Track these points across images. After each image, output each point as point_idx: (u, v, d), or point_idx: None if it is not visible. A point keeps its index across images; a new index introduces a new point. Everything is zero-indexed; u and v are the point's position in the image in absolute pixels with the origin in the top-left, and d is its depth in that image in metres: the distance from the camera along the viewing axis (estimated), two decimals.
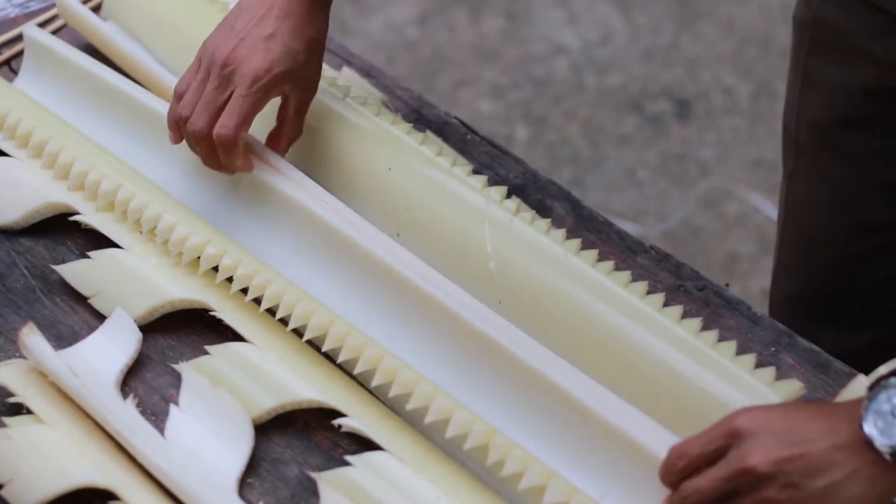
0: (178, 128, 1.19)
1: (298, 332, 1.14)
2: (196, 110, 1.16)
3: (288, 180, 1.20)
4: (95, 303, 1.17)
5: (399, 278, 1.14)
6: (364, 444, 1.07)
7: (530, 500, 1.03)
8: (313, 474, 1.05)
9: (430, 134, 1.29)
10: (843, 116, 1.30)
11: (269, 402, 1.09)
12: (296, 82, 1.18)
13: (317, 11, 1.17)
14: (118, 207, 1.21)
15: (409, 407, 1.08)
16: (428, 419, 1.07)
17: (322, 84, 1.25)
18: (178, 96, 1.18)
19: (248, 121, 1.16)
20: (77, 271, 1.19)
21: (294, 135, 1.21)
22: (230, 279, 1.16)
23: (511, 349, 1.09)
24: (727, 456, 0.95)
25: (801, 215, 1.39)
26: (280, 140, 1.21)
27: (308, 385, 1.10)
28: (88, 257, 1.20)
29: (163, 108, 1.26)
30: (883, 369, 1.09)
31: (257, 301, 1.15)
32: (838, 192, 1.34)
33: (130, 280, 1.17)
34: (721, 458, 0.95)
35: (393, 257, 1.15)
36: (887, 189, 1.31)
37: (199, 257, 1.17)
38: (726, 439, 0.95)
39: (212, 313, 1.15)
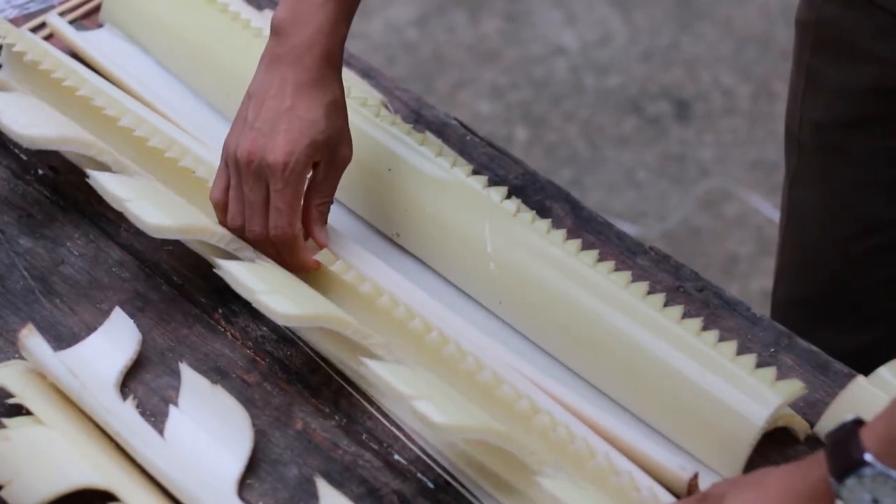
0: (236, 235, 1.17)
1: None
2: (247, 217, 1.14)
3: None
4: (131, 206, 1.15)
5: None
6: (363, 444, 1.08)
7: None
8: (365, 360, 1.04)
9: (429, 135, 1.29)
10: (847, 117, 1.30)
11: (303, 309, 1.09)
12: (324, 151, 1.14)
13: (328, 75, 1.14)
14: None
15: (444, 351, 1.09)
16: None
17: None
18: (219, 207, 1.16)
19: (297, 211, 1.13)
20: (111, 180, 1.18)
21: (321, 201, 1.16)
22: None
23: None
24: None
25: (804, 216, 1.39)
26: (308, 211, 1.16)
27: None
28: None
29: (154, 120, 1.26)
30: (883, 371, 1.09)
31: None
32: (841, 192, 1.34)
33: (164, 195, 1.19)
34: None
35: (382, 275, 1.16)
36: (890, 188, 1.31)
37: None
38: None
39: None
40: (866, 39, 1.25)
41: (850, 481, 0.89)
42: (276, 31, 1.14)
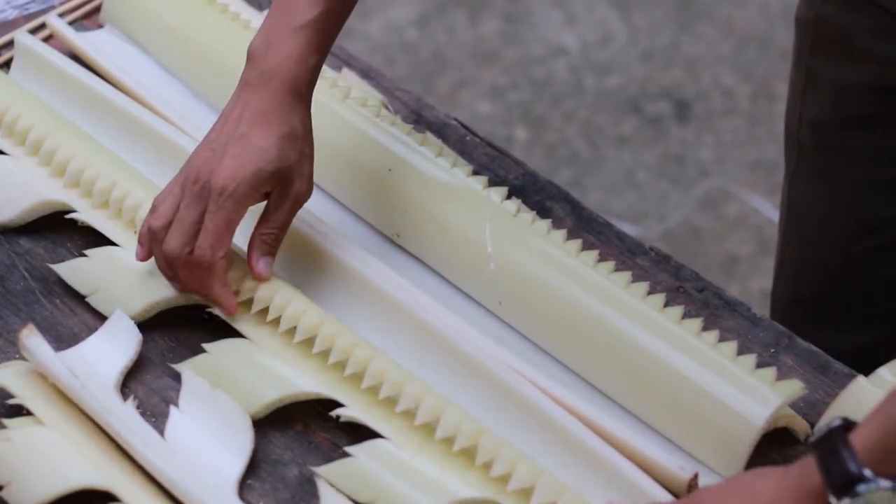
0: (148, 242, 1.14)
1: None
2: (171, 230, 1.11)
3: None
4: (93, 301, 1.17)
5: (387, 298, 1.15)
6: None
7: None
8: (317, 469, 1.05)
9: (429, 135, 1.29)
10: (845, 116, 1.30)
11: (267, 397, 1.09)
12: (273, 181, 1.11)
13: (289, 104, 1.11)
14: (113, 205, 1.21)
15: (398, 409, 1.08)
16: (418, 420, 1.07)
17: (322, 86, 1.25)
18: (155, 209, 1.13)
19: (225, 238, 1.10)
20: (74, 270, 1.19)
21: (267, 231, 1.13)
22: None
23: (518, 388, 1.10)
24: None
25: (803, 216, 1.39)
26: (252, 239, 1.14)
27: (306, 379, 1.10)
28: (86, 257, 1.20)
29: (153, 121, 1.26)
30: (883, 371, 1.09)
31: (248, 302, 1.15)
32: (841, 191, 1.34)
33: (127, 277, 1.17)
34: None
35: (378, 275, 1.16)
36: (890, 188, 1.31)
37: None
38: None
39: (208, 310, 1.15)
40: (865, 39, 1.25)
41: (849, 496, 0.88)
42: (250, 56, 1.13)
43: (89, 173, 1.22)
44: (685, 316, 1.12)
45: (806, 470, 0.92)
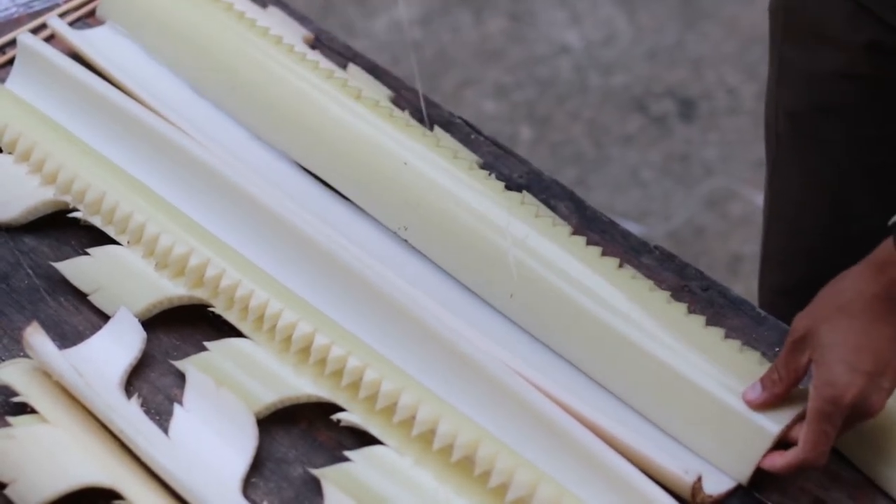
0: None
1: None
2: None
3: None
4: (95, 299, 1.17)
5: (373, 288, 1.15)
6: (368, 442, 1.08)
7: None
8: (315, 471, 1.06)
9: (445, 137, 1.29)
10: (818, 104, 1.30)
11: (268, 398, 1.09)
12: None
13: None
14: (104, 215, 1.21)
15: (395, 420, 1.08)
16: (415, 431, 1.07)
17: (333, 87, 1.25)
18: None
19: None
20: (76, 268, 1.19)
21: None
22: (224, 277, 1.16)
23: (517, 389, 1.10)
24: None
25: (785, 207, 1.40)
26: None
27: (307, 382, 1.10)
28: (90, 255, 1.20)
29: (155, 123, 1.26)
30: None
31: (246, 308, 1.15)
32: (819, 180, 1.34)
33: (129, 276, 1.17)
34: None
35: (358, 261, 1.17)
36: (866, 175, 1.31)
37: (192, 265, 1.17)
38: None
39: (210, 310, 1.15)
40: (831, 25, 1.25)
41: None
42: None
43: (79, 185, 1.21)
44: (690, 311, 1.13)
45: (879, 259, 1.00)
